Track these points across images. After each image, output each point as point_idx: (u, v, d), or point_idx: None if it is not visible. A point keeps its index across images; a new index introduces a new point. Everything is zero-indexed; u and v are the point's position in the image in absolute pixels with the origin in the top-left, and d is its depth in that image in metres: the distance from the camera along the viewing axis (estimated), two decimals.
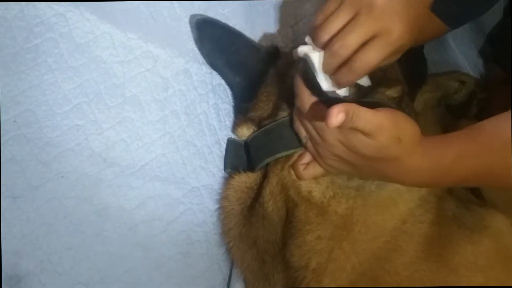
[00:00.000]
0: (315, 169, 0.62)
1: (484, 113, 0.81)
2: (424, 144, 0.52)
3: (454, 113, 0.81)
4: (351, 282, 0.60)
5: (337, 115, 0.46)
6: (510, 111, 0.55)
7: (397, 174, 0.54)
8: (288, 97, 0.64)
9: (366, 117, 0.48)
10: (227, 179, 0.73)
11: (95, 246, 0.66)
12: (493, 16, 0.84)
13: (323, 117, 0.52)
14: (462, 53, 0.89)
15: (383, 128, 0.49)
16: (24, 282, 0.61)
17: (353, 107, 0.48)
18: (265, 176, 0.68)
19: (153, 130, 0.70)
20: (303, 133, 0.61)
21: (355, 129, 0.50)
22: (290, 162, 0.65)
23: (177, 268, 0.72)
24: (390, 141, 0.50)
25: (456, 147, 0.53)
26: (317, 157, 0.61)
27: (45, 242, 0.63)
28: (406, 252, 0.60)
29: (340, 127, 0.47)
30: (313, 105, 0.56)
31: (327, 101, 0.55)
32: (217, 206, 0.74)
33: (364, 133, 0.50)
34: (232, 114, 0.79)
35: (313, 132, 0.58)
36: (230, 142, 0.76)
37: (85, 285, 0.65)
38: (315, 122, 0.56)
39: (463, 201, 0.65)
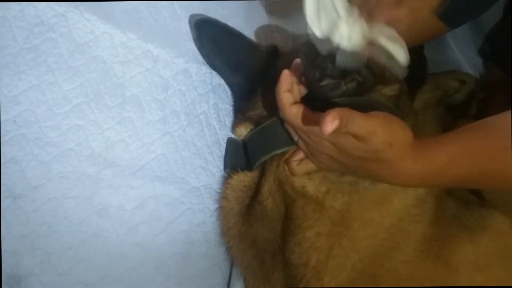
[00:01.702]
0: (308, 165, 0.63)
1: (483, 113, 0.81)
2: (416, 148, 0.52)
3: (453, 113, 0.81)
4: (351, 280, 0.60)
5: (332, 122, 0.46)
6: (503, 112, 0.55)
7: (389, 176, 0.54)
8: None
9: (360, 122, 0.48)
10: (226, 179, 0.74)
11: (95, 246, 0.66)
12: (493, 16, 0.84)
13: (312, 123, 0.52)
14: (462, 53, 0.90)
15: (376, 134, 0.49)
16: (24, 282, 0.61)
17: (347, 112, 0.47)
18: (262, 175, 0.68)
19: (153, 130, 0.71)
20: (293, 134, 0.61)
21: (347, 133, 0.50)
22: (285, 159, 0.65)
23: (177, 268, 0.72)
24: (382, 146, 0.50)
25: (448, 150, 0.53)
26: (309, 155, 0.61)
27: (45, 242, 0.63)
28: (405, 250, 0.60)
29: (334, 132, 0.47)
30: (300, 114, 0.56)
31: (313, 105, 0.55)
32: (217, 206, 0.74)
33: (357, 137, 0.50)
34: (232, 114, 0.79)
35: (303, 135, 0.58)
36: (229, 141, 0.76)
37: (85, 285, 0.65)
38: (302, 128, 0.56)
39: (463, 201, 0.65)
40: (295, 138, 0.61)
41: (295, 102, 0.56)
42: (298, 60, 0.58)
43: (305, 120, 0.55)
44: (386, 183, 0.59)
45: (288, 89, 0.56)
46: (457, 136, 0.55)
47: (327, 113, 0.47)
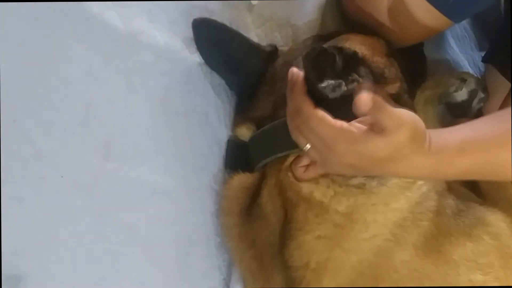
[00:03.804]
0: (316, 171, 0.62)
1: (484, 113, 0.81)
2: (429, 138, 0.53)
3: (454, 112, 0.81)
4: (351, 281, 0.60)
5: (366, 100, 0.46)
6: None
7: (404, 170, 0.54)
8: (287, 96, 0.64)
9: (390, 112, 0.49)
10: (227, 179, 0.73)
11: (95, 246, 0.66)
12: (493, 16, 0.84)
13: (330, 126, 0.52)
14: (462, 53, 0.90)
15: (403, 127, 0.50)
16: (24, 282, 0.61)
17: (379, 99, 0.48)
18: (263, 177, 0.67)
19: (153, 130, 0.71)
20: (303, 143, 0.59)
21: (373, 125, 0.50)
22: (287, 163, 0.64)
23: (177, 268, 0.72)
24: (407, 140, 0.50)
25: (459, 137, 0.54)
26: (322, 164, 0.60)
27: (45, 242, 0.62)
28: (405, 249, 0.60)
29: (368, 113, 0.48)
30: (319, 117, 0.54)
31: (330, 109, 0.55)
32: (217, 206, 0.74)
33: (384, 128, 0.50)
34: (232, 114, 0.79)
35: (318, 143, 0.57)
36: (230, 142, 0.76)
37: (85, 285, 0.65)
38: (323, 134, 0.55)
39: (463, 199, 0.65)
40: (305, 149, 0.60)
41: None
42: (294, 69, 0.57)
43: (329, 126, 0.54)
44: (397, 177, 0.59)
45: (306, 92, 0.55)
46: (468, 125, 0.56)
47: (362, 94, 0.47)
